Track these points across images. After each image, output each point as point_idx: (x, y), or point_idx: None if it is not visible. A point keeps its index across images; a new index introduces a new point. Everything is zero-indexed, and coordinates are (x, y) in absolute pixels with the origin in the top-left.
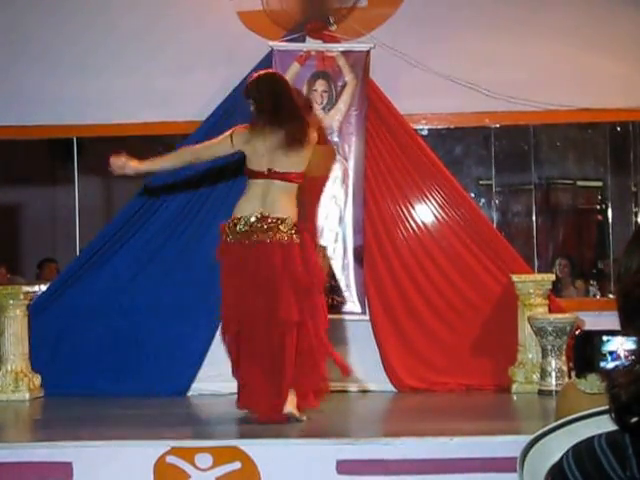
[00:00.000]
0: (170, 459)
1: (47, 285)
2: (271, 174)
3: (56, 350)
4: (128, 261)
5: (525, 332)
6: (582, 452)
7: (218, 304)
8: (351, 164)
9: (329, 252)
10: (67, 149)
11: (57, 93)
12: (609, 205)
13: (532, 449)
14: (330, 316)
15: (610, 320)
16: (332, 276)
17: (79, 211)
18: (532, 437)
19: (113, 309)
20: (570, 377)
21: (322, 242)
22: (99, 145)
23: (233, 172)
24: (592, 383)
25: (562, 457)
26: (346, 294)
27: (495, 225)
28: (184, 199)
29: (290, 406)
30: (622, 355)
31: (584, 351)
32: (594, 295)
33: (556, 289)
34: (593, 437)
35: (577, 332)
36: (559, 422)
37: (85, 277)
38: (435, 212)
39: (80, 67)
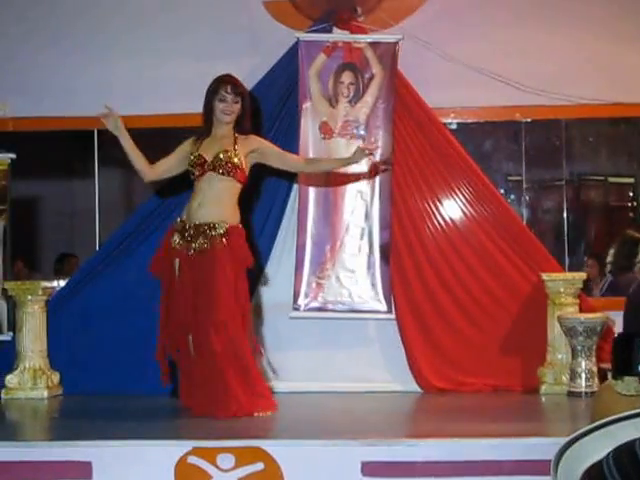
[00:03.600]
0: (191, 459)
1: (66, 281)
2: None
3: (75, 347)
4: (149, 257)
5: (555, 332)
6: (623, 455)
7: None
8: (378, 158)
9: (355, 249)
10: (87, 141)
11: (77, 84)
12: None
13: (567, 451)
14: (355, 315)
15: None
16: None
17: (99, 205)
18: (568, 439)
19: (134, 306)
20: (601, 379)
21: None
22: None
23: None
24: (629, 385)
25: (602, 460)
26: (371, 292)
27: (525, 222)
28: None
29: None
30: None
31: (622, 353)
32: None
33: (587, 288)
34: (634, 440)
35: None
36: (595, 424)
37: (105, 273)
38: (463, 208)
39: (101, 57)
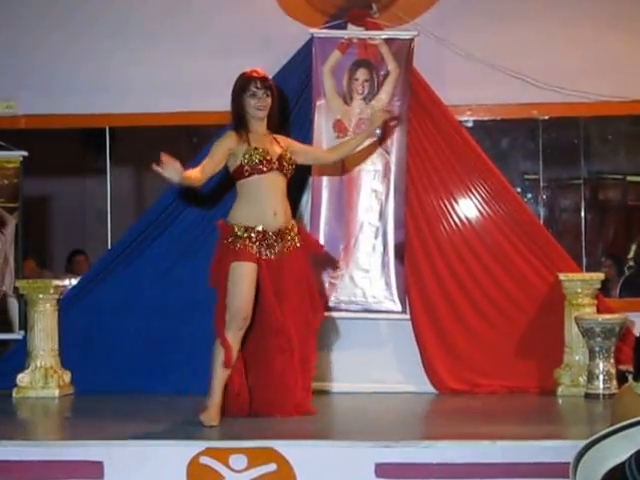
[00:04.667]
0: (204, 460)
1: (78, 279)
2: None
3: (87, 346)
4: (162, 254)
5: (572, 333)
6: None
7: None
8: (393, 156)
9: (369, 248)
10: (99, 139)
11: (90, 81)
12: None
13: (587, 454)
14: (369, 315)
15: None
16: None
17: (111, 202)
18: (587, 441)
19: (146, 304)
20: (619, 381)
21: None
22: (132, 135)
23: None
24: None
25: (624, 463)
26: (386, 292)
27: (542, 221)
28: (221, 188)
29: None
30: None
31: None
32: None
33: (605, 289)
34: None
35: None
36: (615, 427)
37: (117, 271)
38: (479, 207)
39: (113, 55)
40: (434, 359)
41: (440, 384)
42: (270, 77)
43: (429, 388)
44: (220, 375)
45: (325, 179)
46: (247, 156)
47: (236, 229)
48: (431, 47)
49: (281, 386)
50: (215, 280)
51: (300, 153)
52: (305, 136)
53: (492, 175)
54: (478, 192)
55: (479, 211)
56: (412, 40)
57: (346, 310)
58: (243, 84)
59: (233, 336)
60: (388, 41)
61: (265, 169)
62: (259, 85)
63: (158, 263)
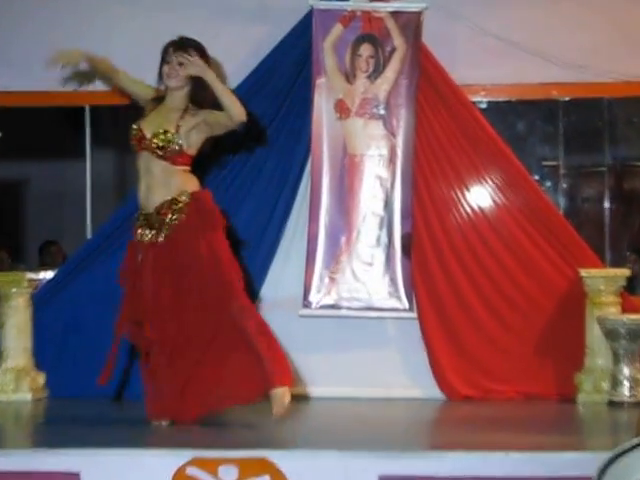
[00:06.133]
0: (191, 470)
1: (53, 272)
2: None
3: (63, 345)
4: None
5: (594, 334)
6: None
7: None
8: (399, 140)
9: (372, 240)
10: (79, 119)
11: None
12: None
13: (611, 467)
14: (372, 313)
15: None
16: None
17: (91, 188)
18: (611, 454)
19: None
20: None
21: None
22: (114, 115)
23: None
24: None
25: None
26: (390, 288)
27: (562, 212)
28: (211, 174)
29: None
30: None
31: None
32: None
33: (630, 286)
34: None
35: None
36: None
37: (97, 263)
38: (493, 196)
39: (94, 27)
40: (443, 362)
41: (449, 389)
42: (198, 47)
43: (437, 394)
44: None
45: (325, 163)
46: (131, 131)
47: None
48: (442, 21)
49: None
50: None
51: (213, 124)
52: (304, 117)
53: (508, 161)
54: (492, 180)
55: (493, 200)
56: (421, 13)
57: (347, 308)
58: (162, 51)
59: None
60: (395, 14)
61: (137, 148)
62: (172, 51)
63: None
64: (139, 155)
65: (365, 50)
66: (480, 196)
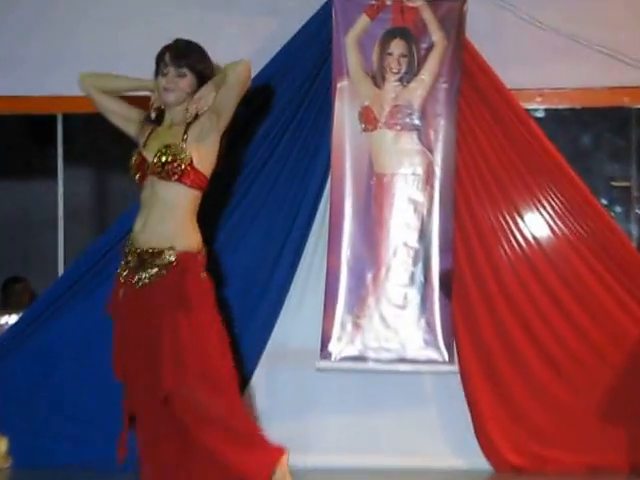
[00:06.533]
0: None
1: (18, 316)
2: None
3: (30, 406)
4: None
5: None
6: None
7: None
8: (438, 157)
9: (405, 278)
10: (49, 129)
11: (38, 54)
12: None
13: None
14: (405, 367)
15: None
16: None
17: (64, 213)
18: None
19: (107, 351)
20: None
21: None
22: (91, 124)
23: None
24: None
25: None
26: (427, 336)
27: (635, 244)
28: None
29: None
30: None
31: None
32: None
33: None
34: None
35: None
36: None
37: (71, 305)
38: (552, 224)
39: (70, 21)
40: (490, 425)
41: (497, 458)
42: (197, 51)
43: (483, 463)
44: None
45: (348, 185)
46: (130, 163)
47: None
48: (491, 12)
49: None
50: None
51: (221, 102)
52: (321, 129)
53: (569, 181)
54: (550, 204)
55: (551, 230)
56: (464, 2)
57: (375, 360)
58: (156, 59)
59: None
60: (432, 3)
61: (138, 178)
62: (169, 59)
63: None
64: (143, 186)
65: (396, 47)
66: (535, 224)
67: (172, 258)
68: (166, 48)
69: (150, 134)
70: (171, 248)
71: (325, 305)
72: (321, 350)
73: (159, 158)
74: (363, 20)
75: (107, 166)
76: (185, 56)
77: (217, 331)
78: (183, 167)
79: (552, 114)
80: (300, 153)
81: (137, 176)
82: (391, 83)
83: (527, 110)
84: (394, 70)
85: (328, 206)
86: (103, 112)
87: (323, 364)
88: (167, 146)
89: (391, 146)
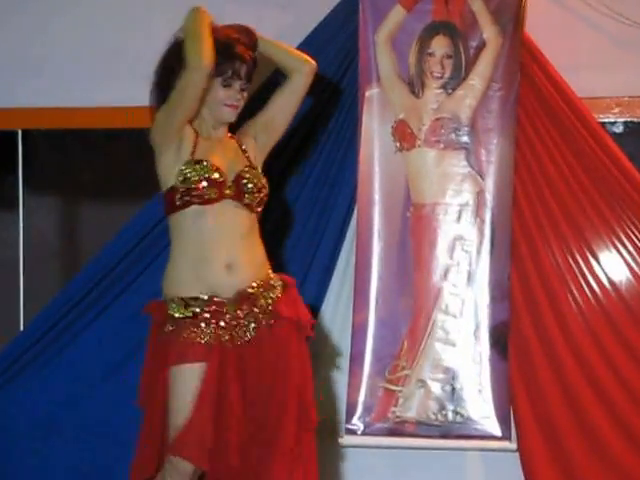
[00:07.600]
0: None
1: None
2: None
3: None
4: (109, 341)
5: None
6: None
7: None
8: (490, 183)
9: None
10: (7, 148)
11: None
12: None
13: None
14: (449, 443)
15: None
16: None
17: (24, 251)
18: None
19: (81, 424)
20: None
21: None
22: (57, 142)
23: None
24: None
25: None
26: (478, 405)
27: None
28: None
29: None
30: None
31: None
32: None
33: None
34: None
35: None
36: None
37: (34, 369)
38: (632, 264)
39: (31, 24)
40: None
41: None
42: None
43: None
44: None
45: (378, 217)
46: (183, 172)
47: (171, 308)
48: (556, 2)
49: None
50: (145, 396)
51: (276, 113)
52: (348, 147)
53: None
54: (631, 241)
55: (632, 272)
56: None
57: (412, 435)
58: (220, 57)
59: None
60: None
61: (212, 196)
62: (244, 72)
63: (102, 356)
64: (198, 210)
65: (439, 46)
66: (611, 265)
67: (279, 283)
68: (240, 57)
69: (196, 145)
70: (269, 274)
71: (350, 369)
72: (345, 422)
73: (245, 178)
74: (397, 12)
75: (78, 193)
76: (255, 68)
77: None
78: (263, 196)
79: (633, 128)
80: (320, 176)
81: (211, 192)
82: (432, 90)
83: (602, 124)
84: (436, 74)
85: (353, 244)
86: (198, 97)
87: (348, 439)
88: (249, 167)
89: (432, 169)
